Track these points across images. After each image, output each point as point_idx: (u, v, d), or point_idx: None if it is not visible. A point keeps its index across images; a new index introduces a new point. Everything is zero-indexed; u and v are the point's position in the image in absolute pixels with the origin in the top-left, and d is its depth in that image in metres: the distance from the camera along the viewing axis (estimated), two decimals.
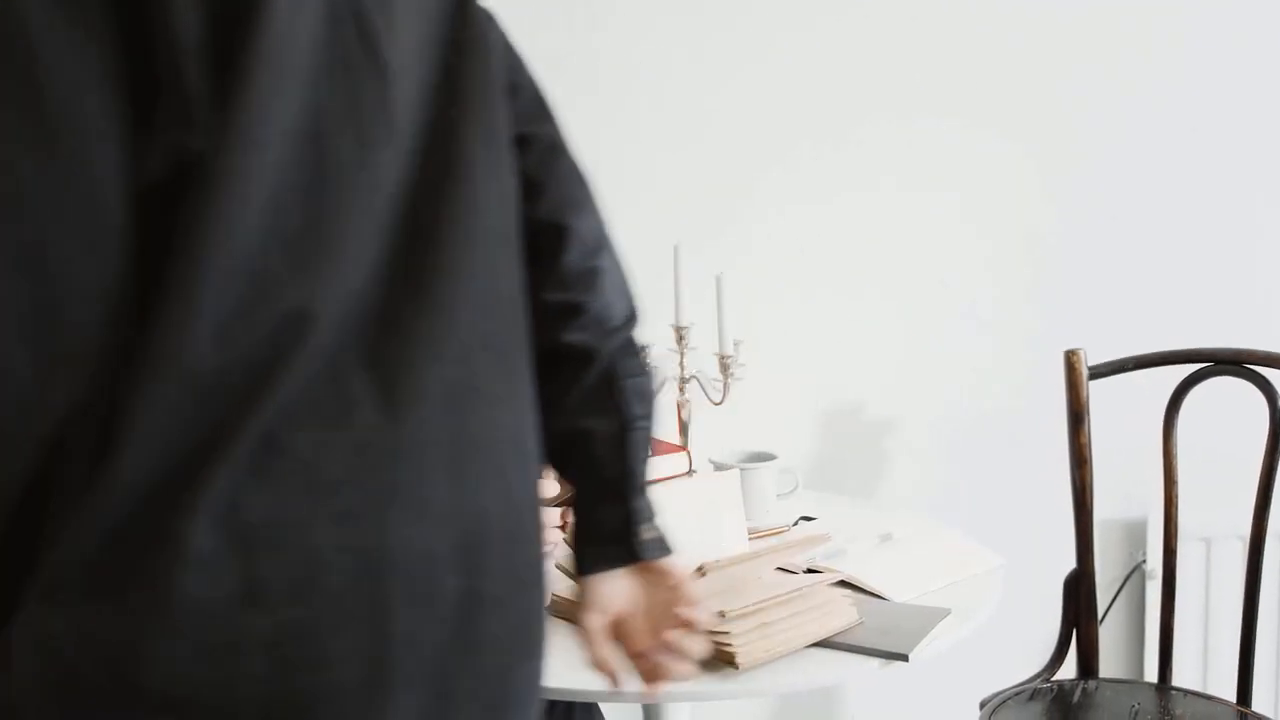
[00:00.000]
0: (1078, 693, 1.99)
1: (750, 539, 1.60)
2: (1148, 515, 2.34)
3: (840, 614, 1.43)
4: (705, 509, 1.53)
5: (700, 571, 1.36)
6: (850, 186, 2.31)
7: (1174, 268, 2.36)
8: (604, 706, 1.86)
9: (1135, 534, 2.41)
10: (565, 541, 1.55)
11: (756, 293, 2.27)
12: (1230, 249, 2.37)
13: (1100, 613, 2.12)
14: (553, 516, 1.70)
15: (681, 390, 2.19)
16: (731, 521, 1.55)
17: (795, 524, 1.85)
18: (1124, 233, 2.36)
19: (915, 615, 1.47)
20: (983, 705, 1.94)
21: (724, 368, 2.16)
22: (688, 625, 1.05)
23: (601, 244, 1.06)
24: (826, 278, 2.33)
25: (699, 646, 1.07)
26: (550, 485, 1.76)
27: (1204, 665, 2.38)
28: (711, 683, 1.33)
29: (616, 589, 1.04)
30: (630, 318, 1.09)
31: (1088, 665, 2.07)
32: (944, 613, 1.46)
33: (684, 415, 2.19)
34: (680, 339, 2.18)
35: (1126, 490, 2.35)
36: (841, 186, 2.31)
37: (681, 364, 2.19)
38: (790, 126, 2.29)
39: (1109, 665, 2.40)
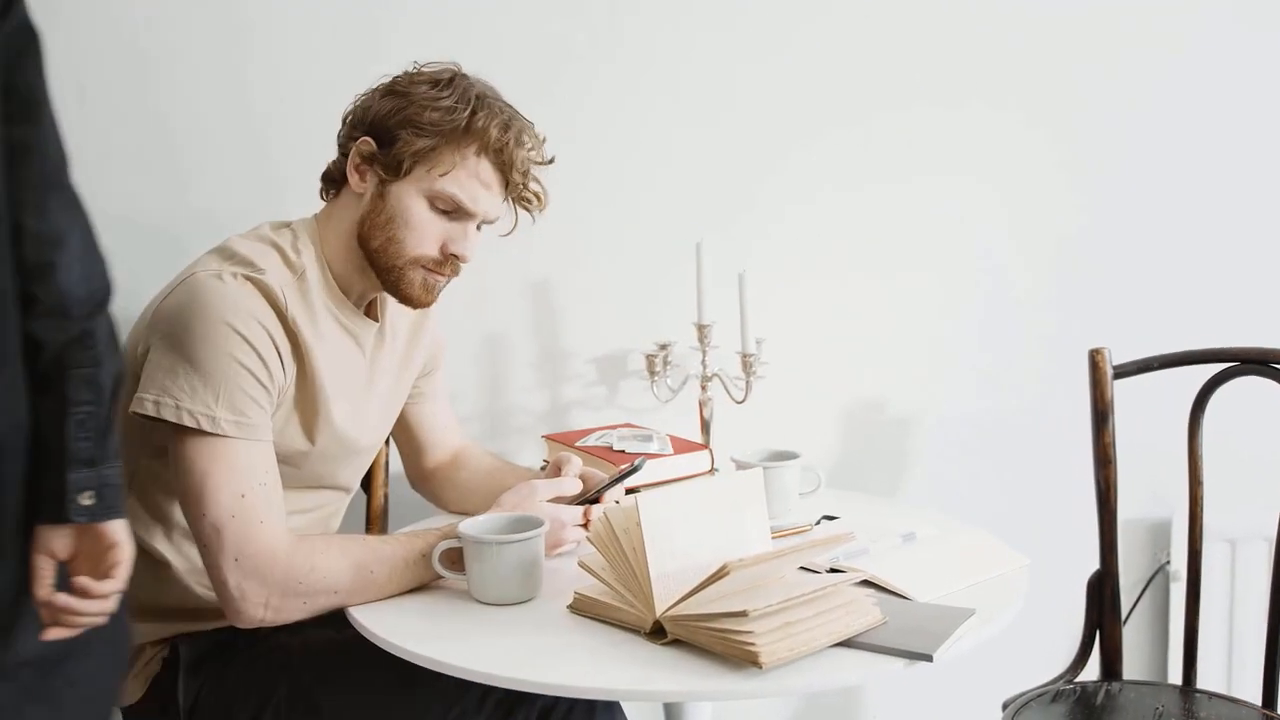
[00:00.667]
0: (1101, 694, 1.98)
1: (773, 538, 1.59)
2: (1172, 516, 2.33)
3: (863, 614, 1.42)
4: (728, 508, 1.52)
5: (724, 570, 1.36)
6: (874, 185, 2.31)
7: (1200, 266, 2.35)
8: (625, 705, 1.86)
9: (1160, 534, 2.40)
10: (588, 539, 1.56)
11: (779, 291, 2.27)
12: (1257, 248, 2.36)
13: (1124, 614, 2.11)
14: (575, 514, 1.70)
15: (704, 389, 2.19)
16: (754, 520, 1.55)
17: (818, 523, 1.85)
18: (1150, 231, 2.35)
19: (939, 615, 1.46)
20: (1005, 706, 1.93)
21: (746, 366, 2.16)
22: (81, 590, 1.18)
23: (59, 240, 1.17)
24: (850, 276, 2.33)
25: (90, 607, 1.19)
26: (572, 483, 1.76)
27: (1229, 667, 2.36)
28: (734, 681, 1.33)
29: (58, 542, 1.19)
30: (92, 311, 1.19)
31: (1111, 667, 2.06)
32: (968, 613, 1.46)
33: (706, 414, 2.19)
34: (702, 337, 2.18)
35: (1151, 490, 2.34)
36: (865, 185, 2.31)
37: (704, 362, 2.19)
38: (814, 126, 2.29)
39: (1132, 667, 2.39)
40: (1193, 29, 2.32)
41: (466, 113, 1.66)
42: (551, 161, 1.80)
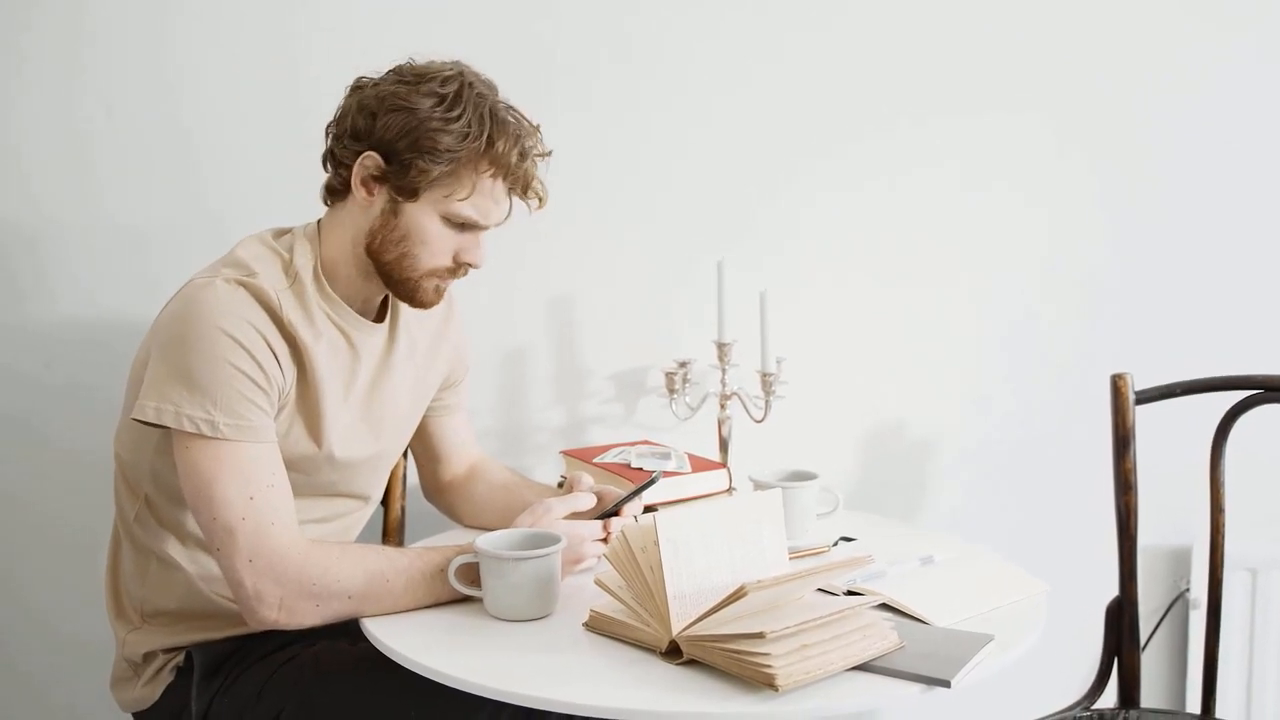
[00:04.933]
0: None
1: (790, 559, 1.58)
2: (1193, 543, 2.32)
3: (881, 637, 1.41)
4: (746, 528, 1.52)
5: (741, 592, 1.35)
6: (898, 208, 2.30)
7: (1225, 292, 2.34)
8: None
9: (1180, 562, 2.38)
10: (605, 556, 1.55)
11: (800, 310, 2.26)
12: None
13: (1143, 641, 2.10)
14: (594, 529, 1.70)
15: (723, 407, 2.19)
16: (772, 541, 1.54)
17: (835, 544, 1.84)
18: (1173, 256, 2.34)
19: (958, 641, 1.45)
20: None
21: (766, 385, 2.15)
22: None
23: None
24: (871, 296, 2.32)
25: None
26: (586, 499, 1.76)
27: (1248, 696, 2.34)
28: (750, 703, 1.32)
29: None
30: None
31: (1129, 695, 2.04)
32: (987, 639, 1.44)
33: (725, 432, 2.19)
34: (722, 356, 2.17)
35: (1172, 517, 2.33)
36: (889, 208, 2.30)
37: (723, 381, 2.18)
38: (839, 149, 2.28)
39: (1151, 695, 2.38)
40: (1222, 59, 2.31)
41: (484, 139, 1.63)
42: (550, 154, 1.75)
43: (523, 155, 1.68)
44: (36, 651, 2.28)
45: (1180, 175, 2.32)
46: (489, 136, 1.64)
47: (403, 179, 1.64)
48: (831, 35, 2.26)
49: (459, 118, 1.63)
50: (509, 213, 1.75)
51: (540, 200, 1.76)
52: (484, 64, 1.74)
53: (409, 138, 1.62)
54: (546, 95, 2.15)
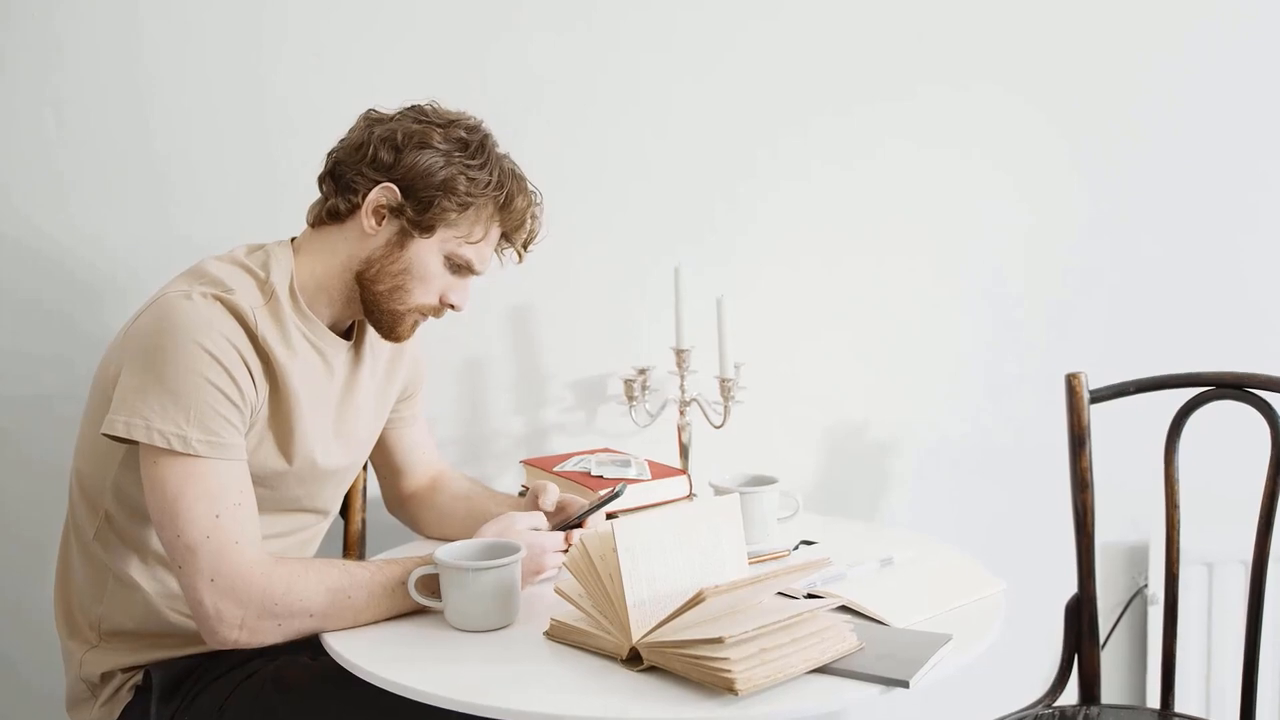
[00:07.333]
0: (1079, 719, 1.98)
1: (750, 563, 1.59)
2: (1149, 539, 2.34)
3: (840, 640, 1.42)
4: (705, 533, 1.52)
5: (700, 597, 1.36)
6: (854, 211, 2.32)
7: (1176, 291, 2.36)
8: None
9: (1137, 558, 2.41)
10: (564, 565, 1.55)
11: (758, 316, 2.27)
12: (1232, 272, 2.37)
13: (1102, 638, 2.11)
14: (555, 540, 1.70)
15: (682, 413, 2.19)
16: (731, 546, 1.54)
17: (796, 548, 1.85)
18: (1126, 256, 2.36)
19: (916, 641, 1.46)
20: None
21: (725, 391, 2.16)
22: None
23: None
24: (828, 301, 2.33)
25: None
26: (535, 518, 1.75)
27: (1207, 690, 2.37)
28: (710, 708, 1.32)
29: None
30: None
31: (1089, 691, 2.06)
32: (945, 638, 1.45)
33: (684, 438, 2.19)
34: (681, 362, 2.18)
35: (1128, 514, 2.35)
36: (845, 211, 2.32)
37: (682, 387, 2.19)
38: (793, 151, 2.29)
39: (1111, 691, 2.39)
40: (1181, 54, 2.33)
41: (505, 193, 1.71)
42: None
43: (533, 217, 1.77)
44: (35, 653, 2.25)
45: (1128, 177, 2.35)
46: (510, 193, 1.72)
47: (422, 215, 1.67)
48: (780, 32, 2.27)
49: (483, 166, 1.69)
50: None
51: (520, 257, 1.83)
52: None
53: (435, 177, 1.66)
54: (503, 104, 2.15)
